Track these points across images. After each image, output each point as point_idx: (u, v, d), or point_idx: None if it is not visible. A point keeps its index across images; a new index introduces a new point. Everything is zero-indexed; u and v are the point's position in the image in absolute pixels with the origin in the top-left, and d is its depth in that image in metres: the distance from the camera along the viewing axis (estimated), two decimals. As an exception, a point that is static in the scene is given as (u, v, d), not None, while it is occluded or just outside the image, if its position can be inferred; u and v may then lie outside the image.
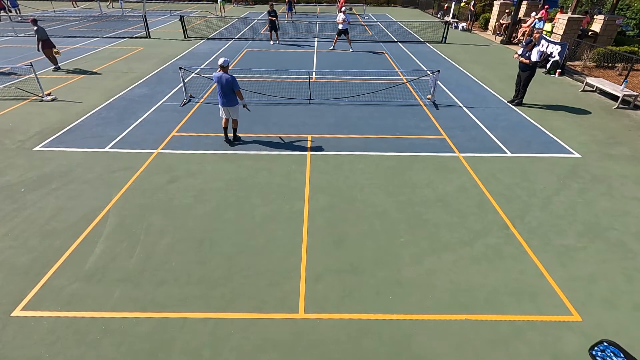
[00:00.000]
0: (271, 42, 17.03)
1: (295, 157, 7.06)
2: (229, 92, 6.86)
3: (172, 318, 3.90)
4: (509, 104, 9.96)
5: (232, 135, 7.52)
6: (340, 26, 15.08)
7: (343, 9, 16.46)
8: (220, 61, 6.70)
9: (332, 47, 15.99)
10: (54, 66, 12.16)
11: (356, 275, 4.46)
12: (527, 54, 9.29)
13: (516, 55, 9.77)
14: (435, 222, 5.38)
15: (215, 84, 6.90)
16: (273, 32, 16.77)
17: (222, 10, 24.04)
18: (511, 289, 4.30)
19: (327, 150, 7.33)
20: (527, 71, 9.43)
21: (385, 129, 8.31)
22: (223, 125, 7.39)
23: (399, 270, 4.54)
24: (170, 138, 7.73)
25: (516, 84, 9.98)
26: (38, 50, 11.55)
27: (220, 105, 7.08)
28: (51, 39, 11.94)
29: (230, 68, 7.10)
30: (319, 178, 6.40)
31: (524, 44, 9.41)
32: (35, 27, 11.28)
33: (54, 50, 11.76)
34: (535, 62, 9.20)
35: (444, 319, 3.94)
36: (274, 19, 16.25)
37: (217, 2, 24.44)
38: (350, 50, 15.72)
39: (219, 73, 6.79)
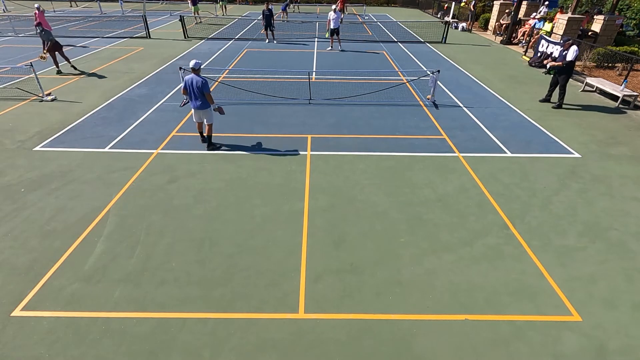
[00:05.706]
0: (266, 41, 17.06)
1: (295, 157, 7.06)
2: (200, 95, 6.61)
3: (172, 318, 3.90)
4: (542, 103, 10.02)
5: (207, 138, 7.26)
6: (332, 25, 15.19)
7: (334, 6, 15.84)
8: (192, 63, 6.48)
9: (329, 48, 16.03)
10: (56, 68, 12.10)
11: (356, 276, 4.46)
12: (563, 54, 9.21)
13: (550, 63, 9.73)
14: (435, 222, 5.38)
15: (186, 87, 6.61)
16: (268, 31, 16.81)
17: (197, 14, 23.43)
18: (511, 289, 4.30)
19: (327, 150, 7.33)
20: (563, 74, 9.36)
21: (385, 129, 8.31)
22: (198, 130, 7.31)
23: (399, 270, 4.54)
24: (170, 138, 7.73)
25: (550, 84, 9.91)
26: (45, 51, 11.51)
27: (192, 109, 6.88)
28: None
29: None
30: (318, 178, 6.40)
31: (562, 42, 9.22)
32: (41, 30, 11.31)
33: (41, 55, 11.48)
34: (571, 61, 9.08)
35: (444, 319, 3.94)
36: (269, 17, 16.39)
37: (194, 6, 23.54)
38: (340, 49, 15.84)
39: (190, 76, 6.54)
